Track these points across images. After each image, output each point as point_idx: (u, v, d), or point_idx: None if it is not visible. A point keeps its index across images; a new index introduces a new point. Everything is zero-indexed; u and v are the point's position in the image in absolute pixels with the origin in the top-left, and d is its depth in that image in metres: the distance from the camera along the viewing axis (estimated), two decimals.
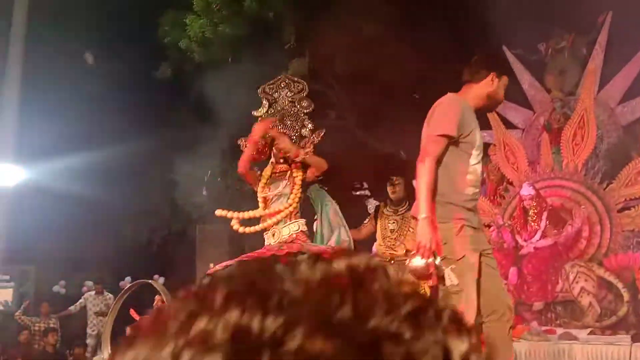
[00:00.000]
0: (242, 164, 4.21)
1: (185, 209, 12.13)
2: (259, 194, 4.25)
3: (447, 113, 3.11)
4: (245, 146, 4.26)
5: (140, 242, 13.01)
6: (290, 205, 4.02)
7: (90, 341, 10.31)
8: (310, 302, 0.28)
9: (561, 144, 7.07)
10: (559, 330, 5.13)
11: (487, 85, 3.11)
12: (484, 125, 8.20)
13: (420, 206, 2.92)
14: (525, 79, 8.11)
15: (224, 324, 0.28)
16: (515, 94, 8.74)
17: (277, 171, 4.24)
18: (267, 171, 4.28)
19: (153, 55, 10.86)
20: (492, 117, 7.56)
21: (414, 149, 7.91)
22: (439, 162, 3.06)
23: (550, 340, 4.71)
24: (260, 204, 4.21)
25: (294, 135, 4.33)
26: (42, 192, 11.58)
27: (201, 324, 0.29)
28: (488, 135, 8.29)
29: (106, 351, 2.10)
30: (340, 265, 0.31)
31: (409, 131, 9.84)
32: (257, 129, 4.18)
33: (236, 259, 3.88)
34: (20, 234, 11.69)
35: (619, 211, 6.56)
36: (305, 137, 4.36)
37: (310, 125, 4.41)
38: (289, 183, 4.14)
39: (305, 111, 4.42)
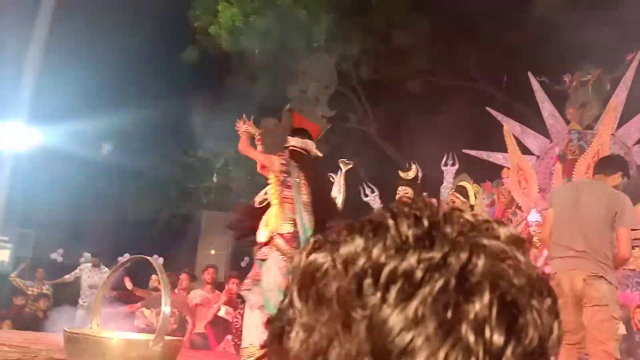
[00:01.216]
0: (240, 144, 4.22)
1: (194, 192, 12.17)
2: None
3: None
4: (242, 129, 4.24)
5: (145, 221, 13.03)
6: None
7: (80, 312, 10.33)
8: (495, 258, 0.37)
9: (573, 176, 7.06)
10: None
11: (614, 180, 3.57)
12: (501, 147, 8.27)
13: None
14: (546, 107, 8.12)
15: (457, 259, 0.36)
16: (535, 122, 8.77)
17: None
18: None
19: (180, 37, 10.94)
20: (509, 140, 7.58)
21: (428, 162, 7.93)
22: None
23: None
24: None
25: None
26: (50, 156, 11.61)
27: (439, 252, 0.36)
28: (503, 157, 8.31)
29: (95, 322, 2.11)
30: (501, 232, 0.39)
31: (427, 144, 9.90)
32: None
33: None
34: (25, 197, 11.75)
35: None
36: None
37: (328, 114, 4.34)
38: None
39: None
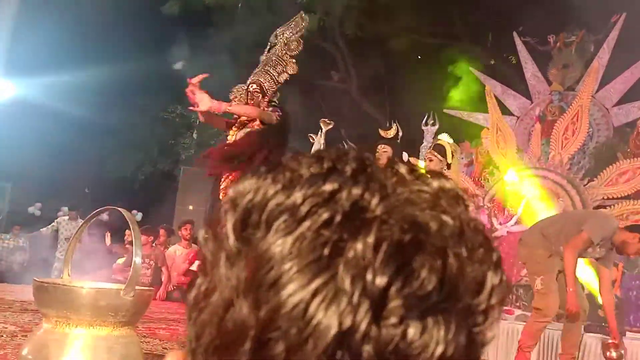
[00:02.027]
0: (200, 117, 4.08)
1: (173, 148, 12.04)
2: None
3: None
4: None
5: (124, 176, 12.93)
6: None
7: (57, 264, 10.35)
8: (407, 202, 0.35)
9: (552, 136, 7.14)
10: (517, 312, 5.27)
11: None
12: (482, 108, 8.28)
13: None
14: (529, 68, 8.11)
15: (348, 194, 0.34)
16: (517, 82, 8.78)
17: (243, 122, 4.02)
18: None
19: None
20: (489, 101, 7.59)
21: (410, 121, 7.94)
22: None
23: (506, 319, 4.84)
24: None
25: (270, 80, 4.05)
26: (28, 109, 11.38)
27: (331, 186, 0.34)
28: (483, 118, 8.34)
29: (66, 272, 2.10)
30: (434, 184, 0.38)
31: (408, 103, 9.87)
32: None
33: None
34: (1, 149, 11.54)
35: (595, 208, 6.69)
36: (280, 83, 4.10)
37: (291, 70, 4.10)
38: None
39: (291, 53, 4.14)
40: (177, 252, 7.28)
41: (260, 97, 4.01)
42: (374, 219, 0.33)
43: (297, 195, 0.34)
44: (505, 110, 7.98)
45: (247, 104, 4.10)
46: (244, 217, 0.35)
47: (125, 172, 13.03)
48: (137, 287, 1.98)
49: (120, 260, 7.28)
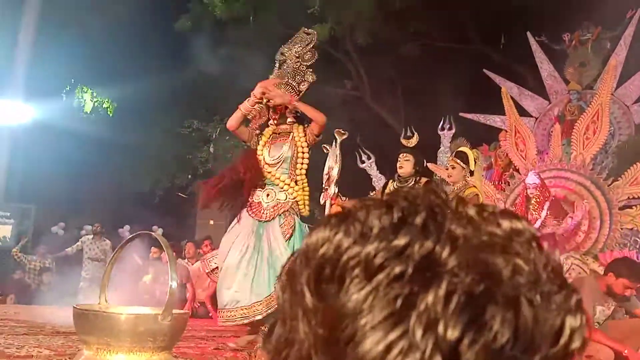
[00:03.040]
0: (232, 120, 4.11)
1: (191, 163, 12.14)
2: (258, 152, 4.18)
3: None
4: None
5: (143, 192, 13.06)
6: (297, 176, 3.99)
7: (83, 284, 10.44)
8: (478, 250, 0.34)
9: (572, 137, 7.05)
10: None
11: None
12: (498, 110, 8.24)
13: None
14: (545, 67, 8.05)
15: (419, 248, 0.34)
16: (533, 82, 8.71)
17: (278, 132, 4.13)
18: (269, 131, 4.18)
19: (174, 6, 10.76)
20: (506, 102, 7.53)
21: (425, 126, 7.91)
22: None
23: None
24: (264, 165, 4.09)
25: (292, 90, 4.15)
26: (48, 132, 11.60)
27: (403, 239, 0.34)
28: (500, 120, 8.28)
29: (103, 297, 2.13)
30: (506, 225, 0.36)
31: (423, 108, 9.83)
32: (257, 87, 4.08)
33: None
34: (24, 172, 11.74)
35: (621, 209, 6.59)
36: (301, 91, 4.20)
37: (310, 78, 4.22)
38: (290, 146, 4.05)
39: (307, 64, 4.25)
40: (199, 267, 7.32)
41: (293, 101, 4.11)
42: (445, 271, 0.33)
43: (370, 249, 0.34)
44: (522, 112, 7.91)
45: (268, 119, 4.17)
46: (317, 271, 0.36)
47: (144, 188, 13.17)
48: (174, 311, 2.00)
49: (147, 278, 7.33)
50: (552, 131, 7.42)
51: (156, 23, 11.20)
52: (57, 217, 13.06)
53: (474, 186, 4.37)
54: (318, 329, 0.34)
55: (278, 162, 4.11)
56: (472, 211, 0.37)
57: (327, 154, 4.93)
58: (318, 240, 0.37)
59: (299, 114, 4.14)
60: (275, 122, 4.18)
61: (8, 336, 3.86)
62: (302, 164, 4.12)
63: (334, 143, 5.20)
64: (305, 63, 4.31)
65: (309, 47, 4.37)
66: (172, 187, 13.30)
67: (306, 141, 4.10)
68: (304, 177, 4.16)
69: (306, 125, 4.15)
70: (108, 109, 11.73)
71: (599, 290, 3.60)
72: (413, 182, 4.73)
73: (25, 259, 10.41)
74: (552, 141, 7.29)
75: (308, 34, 4.48)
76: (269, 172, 4.10)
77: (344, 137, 5.00)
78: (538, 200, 6.75)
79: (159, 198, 13.35)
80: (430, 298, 0.32)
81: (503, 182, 7.56)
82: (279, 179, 4.07)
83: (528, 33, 8.27)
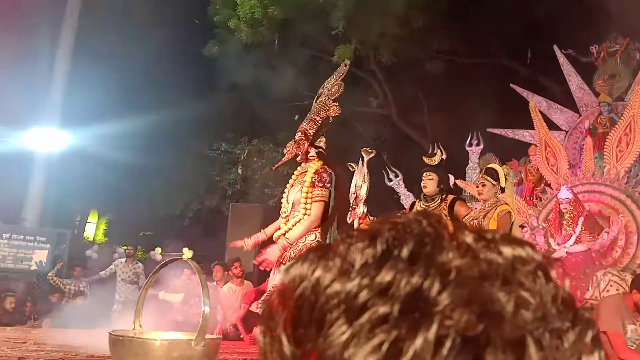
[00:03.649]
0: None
1: (219, 185, 12.29)
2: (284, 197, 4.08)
3: None
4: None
5: (173, 214, 13.27)
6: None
7: (116, 307, 10.57)
8: (475, 283, 0.30)
9: (605, 149, 6.91)
10: None
11: None
12: (526, 124, 8.13)
13: None
14: (574, 80, 7.94)
15: (405, 284, 0.30)
16: (561, 96, 8.59)
17: (300, 172, 4.04)
18: (297, 172, 4.10)
19: (201, 33, 11.04)
20: (535, 117, 7.44)
21: (452, 143, 7.86)
22: None
23: None
24: (283, 208, 4.02)
25: (314, 126, 4.07)
26: (83, 157, 11.94)
27: (387, 275, 0.31)
28: (529, 135, 8.18)
29: (137, 323, 2.16)
30: (507, 253, 0.32)
31: (449, 125, 9.77)
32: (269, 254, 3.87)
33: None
34: (59, 198, 12.07)
35: None
36: (323, 126, 4.13)
37: (333, 113, 4.10)
38: (300, 188, 3.91)
39: (333, 97, 4.18)
40: (231, 290, 7.36)
41: (305, 144, 4.04)
42: (435, 311, 0.29)
43: (350, 287, 0.31)
44: (552, 126, 7.80)
45: (295, 155, 4.11)
46: (295, 314, 0.32)
47: (175, 211, 13.37)
48: (207, 336, 2.03)
49: (176, 298, 7.39)
50: (583, 144, 7.28)
51: (185, 50, 11.50)
52: (91, 241, 13.35)
53: (506, 203, 4.31)
54: None
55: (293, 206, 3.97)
56: (469, 238, 0.33)
57: (353, 171, 4.92)
58: (295, 277, 0.34)
59: (320, 149, 4.03)
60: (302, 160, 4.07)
61: None
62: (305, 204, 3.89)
63: (360, 161, 5.21)
64: (332, 97, 4.27)
65: (339, 80, 4.32)
66: (201, 209, 13.47)
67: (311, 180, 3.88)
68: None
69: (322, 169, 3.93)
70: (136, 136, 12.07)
71: (628, 308, 3.49)
72: (439, 200, 4.68)
73: (60, 282, 10.61)
74: (584, 155, 7.16)
75: (346, 65, 4.45)
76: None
77: (371, 155, 5.00)
78: (572, 215, 6.61)
79: (189, 220, 13.54)
80: (418, 343, 0.28)
81: (534, 197, 7.43)
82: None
83: (555, 46, 8.19)
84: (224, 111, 11.46)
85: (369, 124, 11.55)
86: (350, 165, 5.07)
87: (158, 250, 12.28)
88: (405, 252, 0.32)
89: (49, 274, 10.86)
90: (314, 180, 3.86)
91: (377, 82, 11.62)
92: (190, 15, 11.06)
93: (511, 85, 9.13)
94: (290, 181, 4.14)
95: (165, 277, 7.07)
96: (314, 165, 3.96)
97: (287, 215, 3.99)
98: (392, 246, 0.32)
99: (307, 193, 3.85)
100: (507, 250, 0.32)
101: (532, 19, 9.51)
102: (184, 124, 11.75)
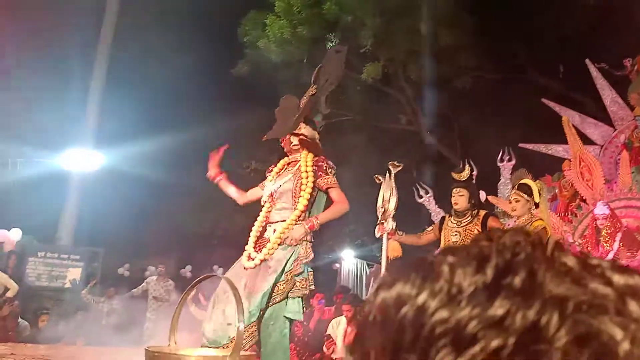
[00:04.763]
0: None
1: (249, 204, 12.37)
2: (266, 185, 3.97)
3: None
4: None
5: (203, 233, 13.40)
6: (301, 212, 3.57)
7: (148, 325, 10.65)
8: (591, 317, 0.29)
9: None
10: None
11: None
12: (559, 139, 7.99)
13: None
14: (607, 94, 7.78)
15: (521, 318, 0.29)
16: (595, 110, 8.42)
17: (288, 162, 3.88)
18: (282, 162, 3.94)
19: (231, 53, 11.26)
20: (568, 131, 7.30)
21: (483, 158, 7.77)
22: None
23: None
24: (265, 199, 3.90)
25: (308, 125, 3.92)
26: (116, 177, 12.21)
27: (501, 307, 0.29)
28: (563, 149, 8.02)
29: (172, 339, 2.17)
30: (618, 282, 0.31)
31: (480, 141, 9.68)
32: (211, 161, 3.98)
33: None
34: (93, 217, 12.32)
35: None
36: (314, 123, 4.00)
37: (308, 94, 3.90)
38: (292, 178, 3.74)
39: (328, 91, 3.99)
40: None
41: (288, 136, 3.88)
42: (554, 348, 0.28)
43: (461, 316, 0.29)
44: (586, 140, 7.64)
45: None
46: (396, 336, 0.31)
47: (205, 229, 13.49)
48: (241, 353, 2.02)
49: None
50: (619, 159, 7.11)
51: (215, 70, 11.73)
52: (123, 259, 13.55)
53: (541, 219, 4.22)
54: None
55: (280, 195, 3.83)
56: (572, 262, 0.31)
57: (379, 184, 4.84)
58: (399, 297, 0.32)
59: (302, 136, 3.81)
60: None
61: None
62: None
63: (387, 175, 5.18)
64: (326, 91, 4.00)
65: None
66: (230, 228, 13.57)
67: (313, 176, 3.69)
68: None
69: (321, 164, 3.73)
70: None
71: None
72: (471, 217, 4.61)
73: (93, 300, 10.75)
74: (621, 169, 6.98)
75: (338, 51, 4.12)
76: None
77: (399, 169, 4.96)
78: (609, 231, 6.43)
79: (218, 238, 13.64)
80: None
81: (569, 213, 7.26)
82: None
83: (587, 60, 8.06)
84: (253, 129, 11.59)
85: (398, 140, 11.52)
86: (377, 177, 5.00)
87: (188, 267, 12.39)
88: (517, 281, 0.30)
89: (83, 291, 11.02)
90: (314, 171, 3.68)
91: (405, 99, 11.63)
92: (219, 35, 11.30)
93: (543, 99, 9.00)
94: (276, 169, 3.96)
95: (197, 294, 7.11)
96: (306, 156, 3.76)
97: (270, 205, 3.84)
98: (503, 273, 0.31)
99: (306, 185, 3.66)
100: (618, 279, 0.31)
101: (562, 33, 9.41)
102: (215, 143, 11.92)
